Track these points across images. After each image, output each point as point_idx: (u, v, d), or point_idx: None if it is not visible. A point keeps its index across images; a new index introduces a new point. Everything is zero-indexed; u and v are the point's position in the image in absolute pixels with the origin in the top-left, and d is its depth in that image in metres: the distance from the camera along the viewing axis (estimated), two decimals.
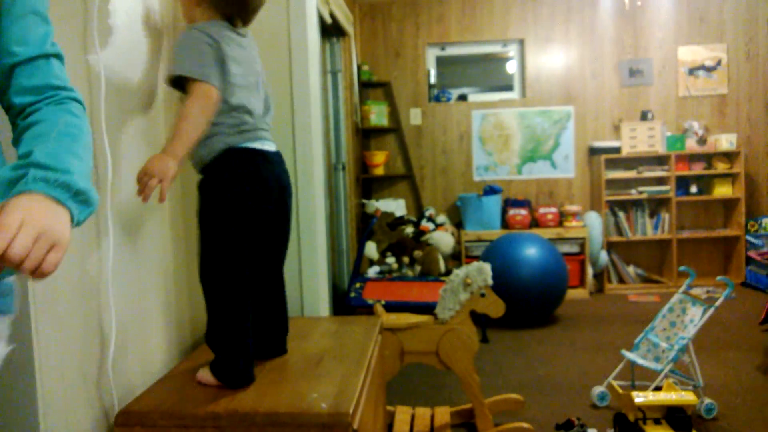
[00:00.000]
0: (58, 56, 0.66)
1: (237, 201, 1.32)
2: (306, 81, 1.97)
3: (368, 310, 3.20)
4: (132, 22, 1.42)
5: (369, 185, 5.26)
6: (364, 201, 5.04)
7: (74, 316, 1.14)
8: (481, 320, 2.32)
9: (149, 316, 1.46)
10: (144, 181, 1.18)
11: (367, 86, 5.16)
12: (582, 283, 4.75)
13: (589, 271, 4.77)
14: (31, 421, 0.98)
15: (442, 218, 4.94)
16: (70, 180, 0.57)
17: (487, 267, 2.30)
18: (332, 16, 3.90)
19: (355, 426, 1.16)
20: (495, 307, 2.29)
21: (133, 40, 1.42)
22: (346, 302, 3.43)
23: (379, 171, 5.10)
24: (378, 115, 5.07)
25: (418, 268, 4.33)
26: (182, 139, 1.22)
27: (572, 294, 4.58)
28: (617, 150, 4.92)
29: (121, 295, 1.31)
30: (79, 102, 0.67)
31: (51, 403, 1.05)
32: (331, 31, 4.22)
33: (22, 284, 0.99)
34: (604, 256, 4.79)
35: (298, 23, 1.98)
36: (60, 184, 0.56)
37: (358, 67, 5.01)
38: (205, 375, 1.33)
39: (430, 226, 4.66)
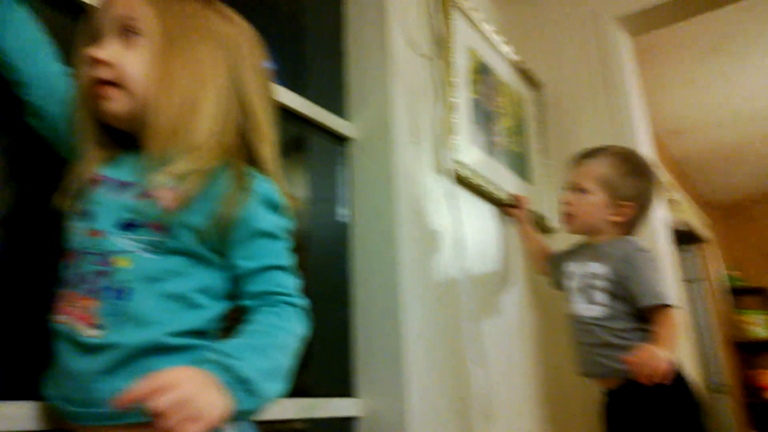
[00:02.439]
0: (282, 268, 0.73)
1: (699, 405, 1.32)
2: None
3: None
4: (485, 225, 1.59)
5: (762, 414, 4.25)
6: None
7: (444, 388, 1.22)
8: None
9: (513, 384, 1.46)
10: (640, 361, 1.19)
11: (739, 293, 4.50)
12: None
13: None
14: None
15: None
16: (237, 366, 0.61)
17: None
18: (684, 223, 3.71)
19: None
20: None
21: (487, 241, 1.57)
22: None
23: None
24: (760, 325, 4.29)
25: None
26: (671, 347, 1.24)
27: None
28: None
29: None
30: (295, 306, 0.72)
31: None
32: (685, 238, 3.98)
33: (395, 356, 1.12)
34: None
35: (651, 233, 1.91)
36: (225, 366, 0.60)
37: (724, 274, 4.46)
38: None
39: None
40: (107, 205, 0.69)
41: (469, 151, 1.55)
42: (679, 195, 3.65)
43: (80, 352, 0.64)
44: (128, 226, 0.67)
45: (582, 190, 1.44)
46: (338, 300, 1.28)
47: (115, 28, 0.71)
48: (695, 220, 3.98)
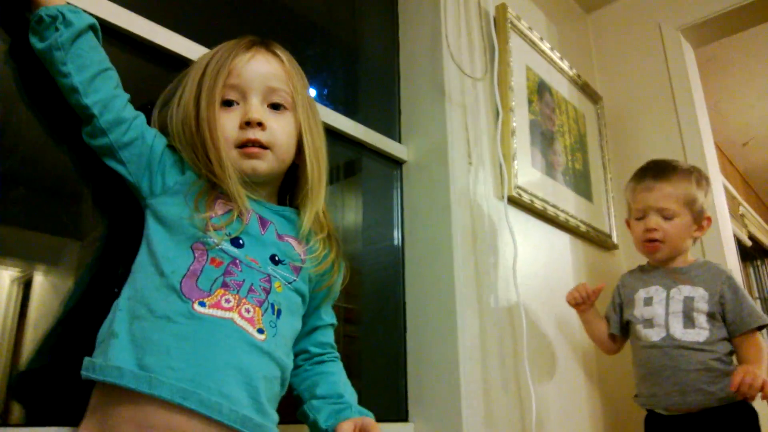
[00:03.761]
0: (334, 326, 0.91)
1: None
2: None
3: None
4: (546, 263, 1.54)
5: None
6: None
7: (500, 411, 1.12)
8: None
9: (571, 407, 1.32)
10: (747, 382, 1.17)
11: None
12: None
13: None
14: None
15: None
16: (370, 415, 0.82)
17: None
18: (752, 238, 3.55)
19: None
20: None
21: (547, 284, 1.53)
22: None
23: None
24: None
25: None
26: (764, 365, 1.24)
27: None
28: None
29: None
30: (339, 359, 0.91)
31: None
32: (752, 253, 3.80)
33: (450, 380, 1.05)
34: None
35: (718, 249, 1.82)
36: (364, 412, 0.81)
37: None
38: None
39: None
40: (258, 239, 0.77)
41: (528, 173, 1.51)
42: (746, 209, 3.49)
43: (250, 350, 0.70)
44: (276, 261, 0.78)
45: (667, 214, 1.37)
46: (392, 323, 1.26)
47: (261, 95, 0.80)
48: (762, 234, 3.79)
